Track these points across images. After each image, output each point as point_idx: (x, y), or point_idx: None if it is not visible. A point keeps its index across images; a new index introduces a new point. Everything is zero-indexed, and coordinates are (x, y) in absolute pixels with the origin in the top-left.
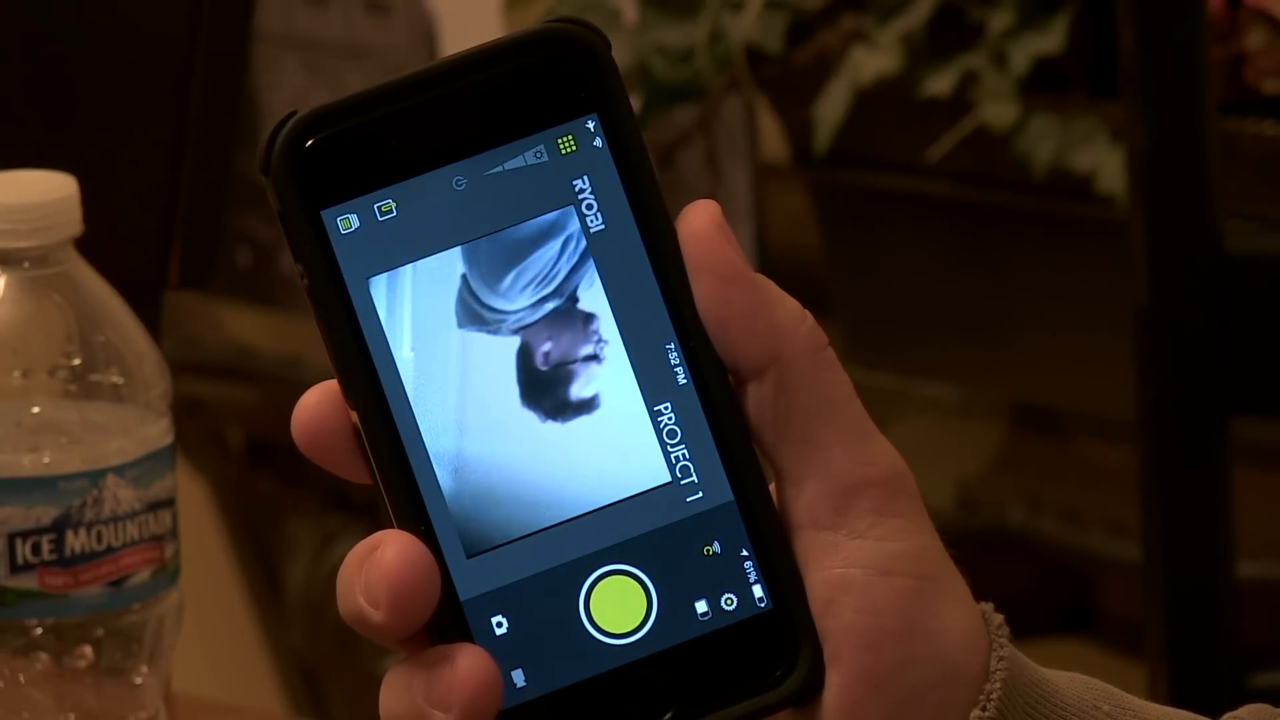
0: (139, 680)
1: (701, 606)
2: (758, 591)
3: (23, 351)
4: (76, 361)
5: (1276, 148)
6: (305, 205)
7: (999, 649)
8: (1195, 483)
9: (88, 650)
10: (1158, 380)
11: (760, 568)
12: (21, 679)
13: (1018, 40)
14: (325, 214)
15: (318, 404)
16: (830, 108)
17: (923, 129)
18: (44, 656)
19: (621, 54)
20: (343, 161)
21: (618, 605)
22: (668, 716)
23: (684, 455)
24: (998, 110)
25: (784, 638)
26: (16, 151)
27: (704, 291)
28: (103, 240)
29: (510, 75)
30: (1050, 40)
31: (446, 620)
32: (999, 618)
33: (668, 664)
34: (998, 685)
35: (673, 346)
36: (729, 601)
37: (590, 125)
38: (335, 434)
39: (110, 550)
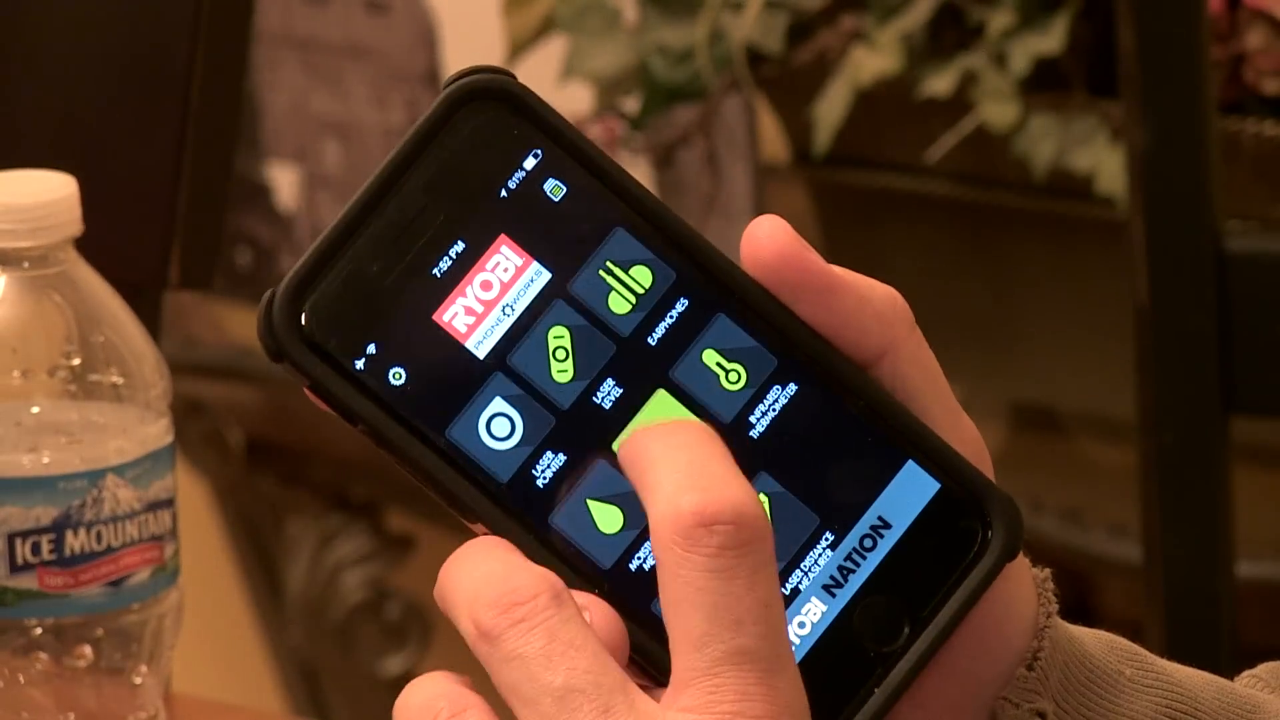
0: (138, 680)
1: None
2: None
3: (23, 351)
4: (76, 361)
5: (1276, 148)
6: (334, 367)
7: (1047, 604)
8: (1195, 483)
9: (87, 650)
10: (1158, 380)
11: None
12: (21, 679)
13: (1018, 40)
14: (353, 365)
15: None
16: (830, 108)
17: (923, 129)
18: (44, 656)
19: (621, 54)
20: (340, 312)
21: None
22: (905, 633)
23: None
24: (998, 110)
25: (966, 504)
26: (16, 151)
27: (809, 308)
28: (103, 240)
29: (447, 151)
30: (1050, 40)
31: None
32: (1046, 571)
33: (879, 587)
34: (1045, 643)
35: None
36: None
37: (537, 156)
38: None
39: (110, 550)
